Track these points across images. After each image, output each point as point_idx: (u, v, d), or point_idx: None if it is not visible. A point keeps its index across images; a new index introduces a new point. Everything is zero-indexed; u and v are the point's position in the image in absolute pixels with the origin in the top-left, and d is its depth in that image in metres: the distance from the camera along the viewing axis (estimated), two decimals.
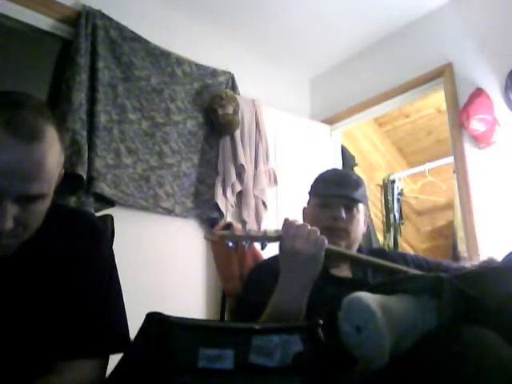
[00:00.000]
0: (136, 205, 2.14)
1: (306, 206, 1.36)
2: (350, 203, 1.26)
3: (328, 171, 1.36)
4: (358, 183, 1.29)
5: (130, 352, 0.73)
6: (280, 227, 0.98)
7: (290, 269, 0.95)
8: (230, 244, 0.95)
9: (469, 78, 2.34)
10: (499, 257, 1.09)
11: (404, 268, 1.09)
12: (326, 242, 0.95)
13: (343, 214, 1.23)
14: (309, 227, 0.96)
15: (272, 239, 0.97)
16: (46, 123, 0.72)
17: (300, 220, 1.01)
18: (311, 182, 1.37)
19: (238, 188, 2.47)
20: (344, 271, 1.25)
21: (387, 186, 3.66)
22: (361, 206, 1.29)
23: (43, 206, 0.76)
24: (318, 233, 0.96)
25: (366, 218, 1.34)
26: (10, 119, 0.68)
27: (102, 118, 2.05)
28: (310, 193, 1.36)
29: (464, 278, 0.82)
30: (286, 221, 0.98)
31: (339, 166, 3.07)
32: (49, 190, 0.75)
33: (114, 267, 0.92)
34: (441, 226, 3.90)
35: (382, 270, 1.15)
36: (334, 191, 1.26)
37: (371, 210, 3.54)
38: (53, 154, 0.73)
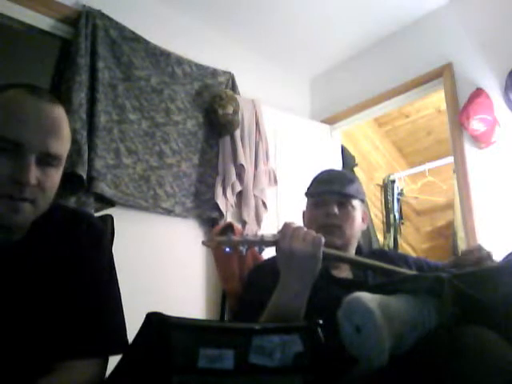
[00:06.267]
0: (136, 205, 2.14)
1: (305, 208, 1.37)
2: (343, 199, 1.26)
3: (321, 172, 1.37)
4: (350, 180, 1.29)
5: (129, 352, 0.73)
6: (279, 230, 0.99)
7: (289, 269, 0.95)
8: (228, 249, 0.95)
9: (469, 78, 2.34)
10: (499, 256, 1.09)
11: (401, 269, 1.09)
12: (323, 240, 0.95)
13: (335, 210, 1.23)
14: (305, 229, 0.96)
15: (269, 243, 0.97)
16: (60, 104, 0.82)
17: (300, 223, 1.02)
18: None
19: (238, 188, 2.47)
20: (344, 272, 1.24)
21: (387, 186, 3.66)
22: (356, 203, 1.28)
23: (57, 175, 0.81)
24: (314, 233, 0.97)
25: (366, 215, 1.34)
26: (32, 89, 0.79)
27: (102, 118, 2.05)
28: (305, 194, 1.37)
29: (464, 278, 0.82)
30: (284, 223, 0.99)
31: (339, 166, 3.07)
32: (64, 155, 0.81)
33: (113, 268, 0.92)
34: (441, 225, 3.90)
35: (378, 272, 1.15)
36: (325, 188, 1.27)
37: (371, 209, 3.54)
38: (67, 124, 0.81)
